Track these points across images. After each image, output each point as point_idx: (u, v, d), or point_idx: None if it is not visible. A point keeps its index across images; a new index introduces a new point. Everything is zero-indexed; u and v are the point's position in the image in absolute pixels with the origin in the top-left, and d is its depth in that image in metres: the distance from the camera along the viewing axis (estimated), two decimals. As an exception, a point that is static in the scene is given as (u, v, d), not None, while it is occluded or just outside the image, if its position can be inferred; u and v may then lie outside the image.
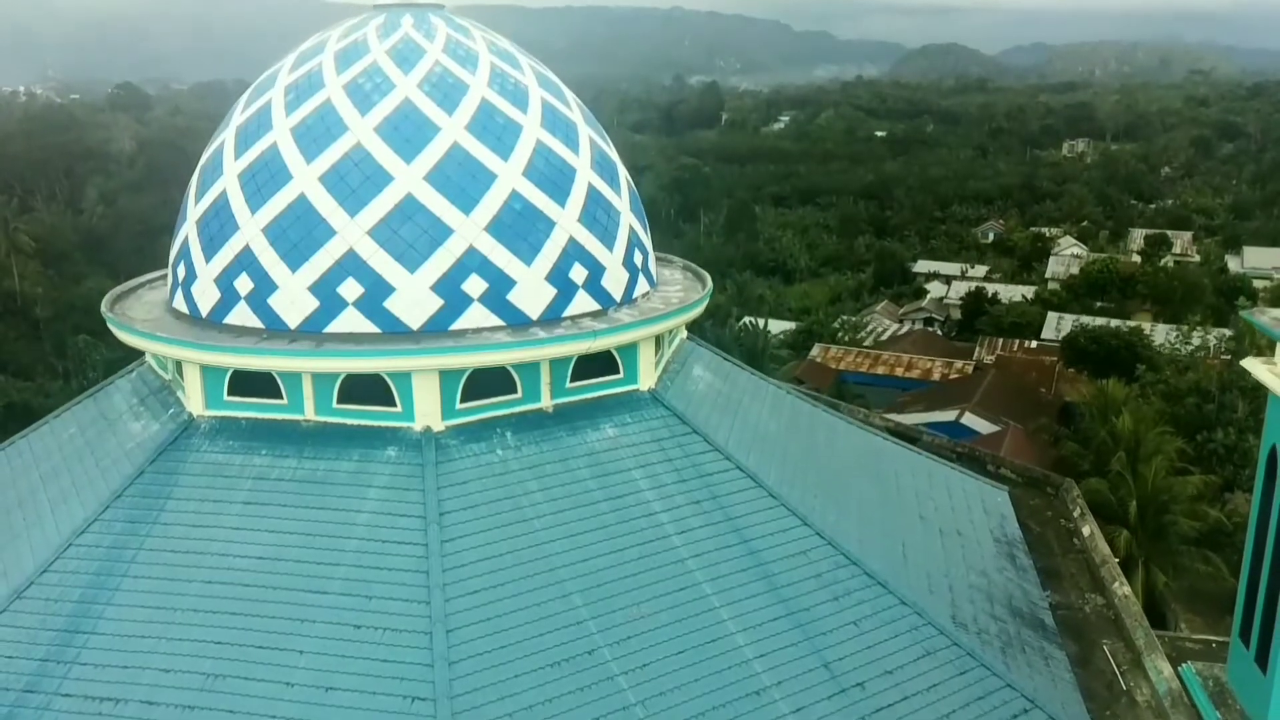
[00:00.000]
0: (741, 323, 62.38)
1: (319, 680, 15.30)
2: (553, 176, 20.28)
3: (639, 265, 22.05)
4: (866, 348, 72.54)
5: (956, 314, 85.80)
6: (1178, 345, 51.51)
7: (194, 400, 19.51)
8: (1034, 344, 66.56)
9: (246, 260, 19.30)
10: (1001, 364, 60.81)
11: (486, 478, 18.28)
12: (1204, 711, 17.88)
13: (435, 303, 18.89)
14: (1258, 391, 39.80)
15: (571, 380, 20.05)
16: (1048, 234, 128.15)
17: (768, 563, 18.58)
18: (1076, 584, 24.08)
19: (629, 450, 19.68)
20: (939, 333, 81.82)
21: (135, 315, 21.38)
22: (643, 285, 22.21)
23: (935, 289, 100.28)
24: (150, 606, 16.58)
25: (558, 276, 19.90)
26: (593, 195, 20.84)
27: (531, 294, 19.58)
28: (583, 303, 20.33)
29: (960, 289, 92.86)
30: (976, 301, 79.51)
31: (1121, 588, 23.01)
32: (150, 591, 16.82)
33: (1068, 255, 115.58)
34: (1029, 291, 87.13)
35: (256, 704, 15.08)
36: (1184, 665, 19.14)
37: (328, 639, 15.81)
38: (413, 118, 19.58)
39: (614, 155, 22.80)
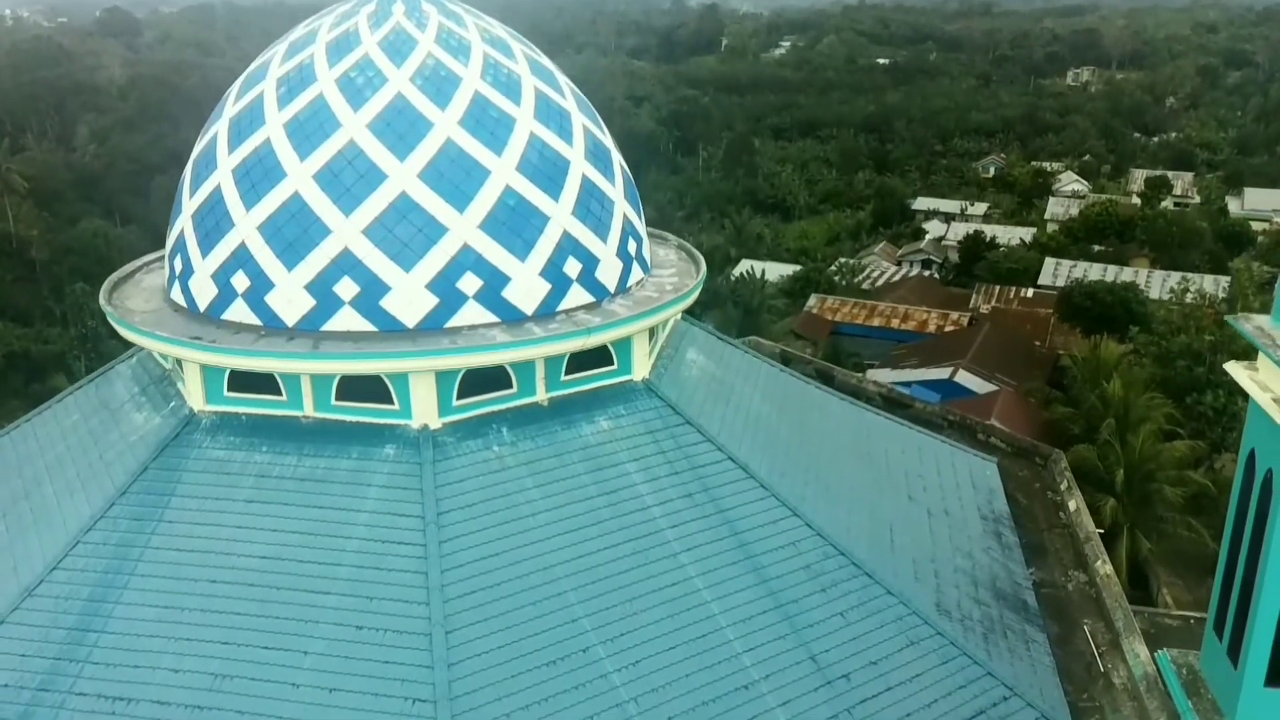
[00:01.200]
0: (739, 272, 62.43)
1: (323, 681, 15.87)
2: (546, 170, 20.27)
3: (633, 254, 22.15)
4: (864, 293, 72.70)
5: (955, 256, 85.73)
6: (1172, 305, 51.40)
7: (194, 395, 19.79)
8: (1030, 293, 66.62)
9: (243, 257, 19.42)
10: (997, 316, 61.02)
11: (483, 475, 18.66)
12: (1176, 700, 18.53)
13: (431, 301, 19.07)
14: (1246, 356, 40.22)
15: (566, 373, 20.31)
16: (1049, 169, 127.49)
17: (758, 555, 19.07)
18: (1060, 560, 24.66)
19: (623, 443, 20.04)
20: (936, 276, 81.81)
21: (134, 306, 21.53)
22: (636, 273, 22.34)
23: (934, 228, 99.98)
24: (158, 606, 17.09)
25: (552, 271, 20.04)
26: (586, 187, 20.86)
27: (526, 290, 19.74)
28: (577, 296, 20.50)
29: (959, 230, 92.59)
30: (975, 245, 79.37)
31: (1104, 566, 23.55)
32: (158, 590, 17.30)
33: (1068, 192, 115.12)
34: (1027, 234, 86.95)
35: (264, 705, 15.67)
36: (1159, 652, 19.70)
37: (331, 640, 16.35)
38: (406, 113, 19.51)
39: (608, 141, 22.74)
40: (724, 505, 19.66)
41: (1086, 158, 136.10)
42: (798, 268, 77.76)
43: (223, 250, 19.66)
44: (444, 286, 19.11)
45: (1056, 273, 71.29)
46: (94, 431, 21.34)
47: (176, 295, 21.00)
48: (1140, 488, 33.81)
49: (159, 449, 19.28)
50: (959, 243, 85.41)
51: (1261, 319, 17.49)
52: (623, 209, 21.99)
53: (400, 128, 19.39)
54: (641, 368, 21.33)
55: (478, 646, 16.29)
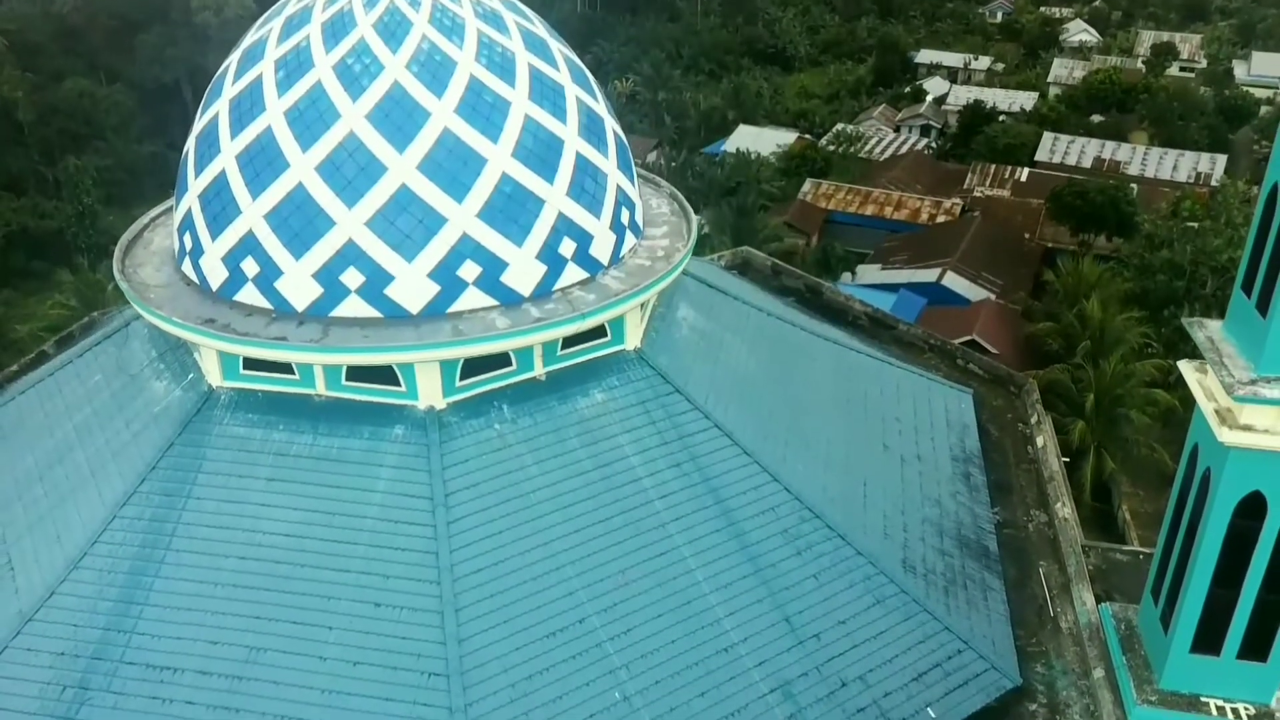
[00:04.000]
0: (735, 149, 61.98)
1: (347, 655, 17.70)
2: (541, 152, 20.78)
3: (625, 224, 22.86)
4: (861, 163, 72.31)
5: (954, 121, 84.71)
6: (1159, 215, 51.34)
7: (211, 371, 20.93)
8: (1025, 175, 66.35)
9: (251, 244, 20.20)
10: (989, 206, 61.13)
11: (486, 454, 20.02)
12: (1113, 653, 20.63)
13: (432, 289, 20.00)
14: (1227, 271, 40.97)
15: (562, 348, 21.39)
16: (1058, 15, 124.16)
17: (739, 521, 20.68)
18: (1024, 499, 26.39)
19: (616, 416, 21.33)
20: (933, 148, 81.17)
21: (147, 276, 22.32)
22: (630, 241, 23.11)
23: (935, 86, 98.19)
24: (194, 580, 18.74)
25: (547, 253, 20.87)
26: (580, 164, 21.40)
27: (523, 273, 20.64)
28: (572, 274, 21.41)
29: (960, 94, 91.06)
30: (974, 117, 78.38)
31: (1063, 509, 25.28)
32: (193, 565, 18.91)
33: (1075, 43, 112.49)
34: (1028, 102, 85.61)
35: (297, 676, 17.52)
36: (1103, 605, 21.73)
37: (352, 616, 18.09)
38: (403, 103, 19.87)
39: (602, 109, 23.05)
40: (710, 474, 21.13)
41: (1097, 2, 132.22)
42: (795, 135, 77.03)
43: (231, 236, 20.41)
44: (445, 275, 20.00)
45: (1054, 148, 70.86)
46: (116, 396, 22.57)
47: (188, 269, 21.83)
48: (1109, 411, 35.48)
49: (183, 424, 20.55)
50: (959, 111, 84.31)
51: (1214, 326, 18.53)
52: (616, 180, 22.56)
53: (398, 118, 19.81)
54: (634, 337, 22.41)
55: (485, 623, 18.04)
